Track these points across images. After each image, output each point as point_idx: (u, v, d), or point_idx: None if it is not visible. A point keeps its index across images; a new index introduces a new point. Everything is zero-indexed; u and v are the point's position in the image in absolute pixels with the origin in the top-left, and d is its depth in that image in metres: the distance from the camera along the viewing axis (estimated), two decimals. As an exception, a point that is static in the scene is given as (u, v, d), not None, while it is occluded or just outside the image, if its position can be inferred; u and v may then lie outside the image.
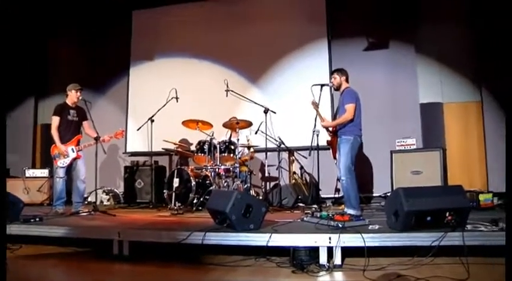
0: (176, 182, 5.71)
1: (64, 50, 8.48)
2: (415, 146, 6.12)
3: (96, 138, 5.45)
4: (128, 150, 8.07)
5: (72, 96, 5.60)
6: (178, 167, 6.10)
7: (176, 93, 6.46)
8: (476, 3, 6.52)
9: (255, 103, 6.21)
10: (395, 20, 6.91)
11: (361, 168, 5.80)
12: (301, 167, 6.49)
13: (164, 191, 5.92)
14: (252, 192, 6.21)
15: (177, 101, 6.47)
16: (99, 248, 3.94)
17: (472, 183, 6.24)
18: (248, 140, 6.45)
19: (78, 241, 4.07)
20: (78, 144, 5.56)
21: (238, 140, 5.94)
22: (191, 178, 5.68)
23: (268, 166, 6.04)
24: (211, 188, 5.65)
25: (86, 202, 6.16)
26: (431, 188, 3.75)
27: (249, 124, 6.09)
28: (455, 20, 6.72)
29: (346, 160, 4.64)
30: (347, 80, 4.98)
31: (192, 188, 5.61)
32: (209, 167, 5.88)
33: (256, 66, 7.60)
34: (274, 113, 6.02)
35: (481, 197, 5.00)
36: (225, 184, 5.80)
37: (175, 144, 6.43)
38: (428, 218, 3.29)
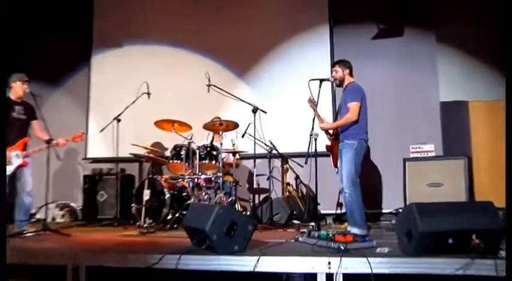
0: (147, 194, 5.68)
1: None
2: (433, 154, 6.14)
3: (48, 142, 5.36)
4: (88, 155, 8.01)
5: (17, 89, 5.46)
6: (150, 176, 6.08)
7: (148, 87, 6.47)
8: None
9: (242, 101, 6.21)
10: (411, 2, 6.94)
11: (368, 179, 5.81)
12: (297, 177, 6.54)
13: (132, 205, 5.86)
14: (238, 206, 6.18)
15: (148, 97, 6.49)
16: (48, 278, 3.85)
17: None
18: (234, 145, 6.43)
19: (20, 269, 3.92)
20: (24, 148, 5.42)
21: (221, 144, 5.92)
22: (165, 189, 5.67)
23: (257, 175, 6.09)
24: (189, 201, 5.65)
25: (34, 219, 6.04)
26: (452, 204, 3.76)
27: (234, 126, 6.07)
28: (484, 3, 6.73)
29: (349, 168, 4.66)
30: (351, 74, 5.01)
31: (166, 202, 5.60)
32: (187, 177, 5.87)
33: (245, 58, 7.63)
34: (265, 113, 6.04)
35: (518, 216, 4.99)
36: (206, 197, 5.80)
37: (146, 148, 6.39)
38: (450, 241, 3.26)
